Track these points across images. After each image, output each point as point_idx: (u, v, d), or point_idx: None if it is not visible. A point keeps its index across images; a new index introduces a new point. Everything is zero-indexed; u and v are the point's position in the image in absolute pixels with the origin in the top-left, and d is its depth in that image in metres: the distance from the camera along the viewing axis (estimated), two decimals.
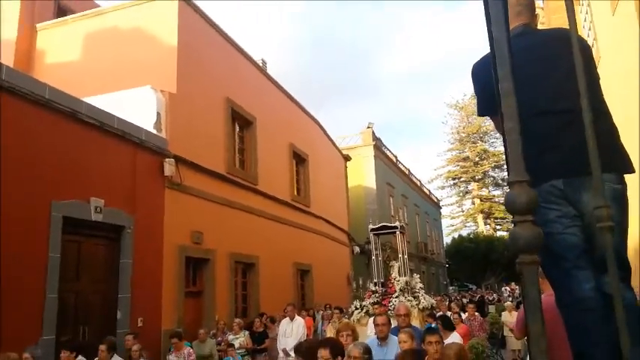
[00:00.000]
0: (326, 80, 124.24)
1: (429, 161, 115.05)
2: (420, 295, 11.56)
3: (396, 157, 32.41)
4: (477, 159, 54.58)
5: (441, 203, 49.58)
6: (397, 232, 13.00)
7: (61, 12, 13.13)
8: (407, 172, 34.86)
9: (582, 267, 1.91)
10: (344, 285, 19.54)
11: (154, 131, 9.44)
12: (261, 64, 15.09)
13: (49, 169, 7.22)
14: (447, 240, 49.07)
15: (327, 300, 14.60)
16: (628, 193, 1.98)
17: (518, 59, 1.21)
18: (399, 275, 11.94)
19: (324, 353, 3.54)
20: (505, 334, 12.24)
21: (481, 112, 2.38)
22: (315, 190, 17.76)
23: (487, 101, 2.28)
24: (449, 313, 9.70)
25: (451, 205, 56.33)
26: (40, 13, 12.40)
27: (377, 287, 11.85)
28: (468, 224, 55.71)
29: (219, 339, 9.22)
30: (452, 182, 56.26)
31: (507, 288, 37.02)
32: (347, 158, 23.29)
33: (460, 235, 48.77)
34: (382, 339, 5.00)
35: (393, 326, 5.52)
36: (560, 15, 9.82)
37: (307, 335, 10.19)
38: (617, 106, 4.19)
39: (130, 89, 9.64)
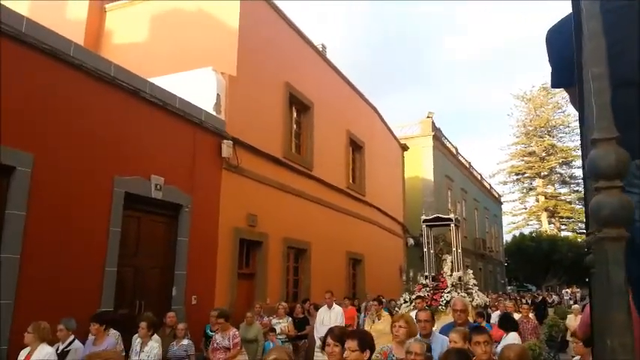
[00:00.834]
0: (385, 67, 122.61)
1: (491, 155, 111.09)
2: (473, 291, 11.17)
3: (456, 148, 31.47)
4: (543, 154, 51.98)
5: (502, 199, 47.77)
6: (451, 225, 12.55)
7: None
8: (467, 165, 33.78)
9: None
10: (396, 277, 19.25)
11: (214, 112, 9.58)
12: (321, 49, 14.97)
13: (113, 145, 7.46)
14: (507, 238, 47.33)
15: (378, 291, 14.43)
16: None
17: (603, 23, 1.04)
18: (452, 270, 11.59)
19: (352, 345, 3.21)
20: (568, 338, 11.62)
21: (555, 83, 2.13)
22: (370, 179, 17.53)
23: (563, 70, 2.04)
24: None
25: (513, 201, 54.13)
26: None
27: (427, 281, 11.55)
28: (530, 222, 53.35)
29: (265, 321, 9.09)
30: (515, 177, 53.93)
31: (568, 290, 35.31)
32: (404, 148, 22.83)
33: (521, 233, 46.88)
34: (425, 336, 4.58)
35: (448, 322, 5.24)
36: None
37: (349, 326, 9.99)
38: None
39: (191, 70, 9.81)
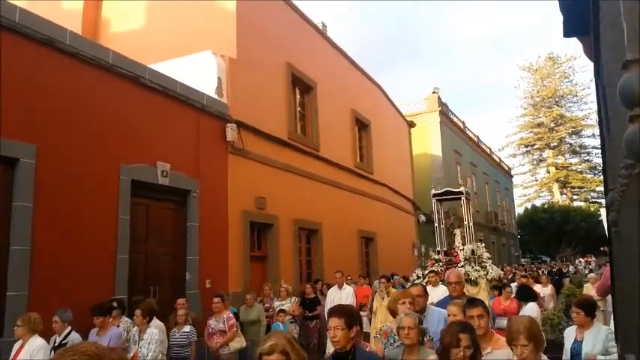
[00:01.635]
0: (390, 44, 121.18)
1: (499, 128, 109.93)
2: (487, 265, 11.03)
3: (463, 123, 31.12)
4: (552, 125, 51.33)
5: (512, 172, 47.36)
6: (462, 198, 12.35)
7: None
8: (475, 139, 33.43)
9: None
10: (409, 254, 19.21)
11: (216, 96, 9.47)
12: (321, 28, 14.72)
13: (116, 133, 7.40)
14: (519, 210, 47.07)
15: (391, 269, 14.39)
16: None
17: None
18: (463, 244, 11.44)
19: (338, 322, 3.01)
20: None
21: (568, 33, 2.02)
22: (378, 157, 17.38)
23: (577, 18, 1.92)
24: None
25: (524, 173, 53.74)
26: None
27: (440, 256, 11.44)
28: (542, 194, 52.97)
29: (267, 305, 8.91)
30: (524, 150, 53.42)
31: (582, 260, 35.14)
32: (411, 124, 22.58)
33: (533, 205, 46.58)
34: (418, 312, 4.29)
35: (445, 296, 5.14)
36: None
37: (364, 305, 9.85)
38: None
39: (191, 55, 9.68)
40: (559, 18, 1.97)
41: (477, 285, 10.18)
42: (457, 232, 11.91)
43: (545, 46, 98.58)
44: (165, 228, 8.37)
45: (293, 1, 12.97)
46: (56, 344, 5.26)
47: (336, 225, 13.48)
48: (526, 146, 53.11)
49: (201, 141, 8.99)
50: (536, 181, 53.51)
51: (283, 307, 8.54)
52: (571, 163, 52.12)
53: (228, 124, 9.51)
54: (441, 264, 10.95)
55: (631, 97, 0.71)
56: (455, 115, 29.54)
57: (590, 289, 11.51)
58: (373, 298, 11.13)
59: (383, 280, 9.82)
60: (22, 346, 4.79)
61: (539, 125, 52.02)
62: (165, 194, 8.33)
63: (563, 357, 4.62)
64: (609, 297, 10.11)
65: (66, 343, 5.17)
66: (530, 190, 53.65)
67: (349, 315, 3.11)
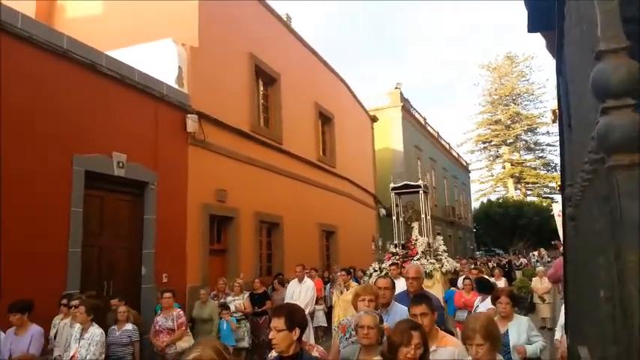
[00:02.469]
0: (354, 39, 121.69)
1: (458, 125, 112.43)
2: (443, 257, 11.23)
3: (424, 119, 31.61)
4: (508, 122, 53.02)
5: (470, 167, 48.56)
6: (420, 192, 12.53)
7: None
8: (435, 135, 34.04)
9: None
10: (370, 248, 19.40)
11: (176, 86, 9.22)
12: (285, 19, 14.57)
13: (70, 122, 7.09)
14: (475, 205, 48.34)
15: (352, 262, 14.49)
16: None
17: None
18: (420, 236, 11.60)
19: (278, 323, 2.70)
20: (535, 300, 11.94)
21: (532, 28, 2.04)
22: (341, 151, 17.43)
23: (540, 13, 1.94)
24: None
25: (480, 169, 55.33)
26: None
27: (397, 249, 11.57)
28: (497, 189, 54.72)
29: (222, 300, 8.57)
30: (482, 146, 54.97)
31: (535, 253, 36.45)
32: (374, 119, 22.76)
33: (489, 200, 48.00)
34: (384, 305, 4.12)
35: (402, 290, 4.83)
36: None
37: (320, 298, 9.79)
38: None
39: (150, 42, 9.38)
40: (522, 15, 1.98)
41: (432, 278, 10.38)
42: (415, 225, 12.09)
43: (505, 44, 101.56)
44: (121, 221, 8.11)
45: None
46: None
47: (298, 218, 13.44)
48: (483, 142, 54.64)
49: (160, 131, 8.74)
50: (492, 176, 55.23)
51: (234, 303, 8.27)
52: (525, 160, 54.00)
53: (189, 115, 9.28)
54: (397, 257, 11.09)
55: (604, 88, 0.70)
56: (416, 111, 29.96)
57: (537, 282, 11.93)
58: (325, 292, 11.17)
59: (342, 273, 9.76)
60: None
61: (496, 122, 53.59)
62: (121, 186, 8.06)
63: None
64: (555, 290, 10.49)
65: None
66: (486, 185, 55.39)
67: (290, 314, 2.76)
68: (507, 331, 4.37)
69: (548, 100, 48.19)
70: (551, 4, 1.59)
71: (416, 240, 11.38)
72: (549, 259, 27.99)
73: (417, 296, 3.80)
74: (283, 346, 2.71)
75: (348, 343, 3.61)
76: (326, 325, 10.40)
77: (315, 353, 3.07)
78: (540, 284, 11.78)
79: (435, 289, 10.18)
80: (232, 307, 8.24)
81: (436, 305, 3.74)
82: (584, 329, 1.50)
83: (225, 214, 10.48)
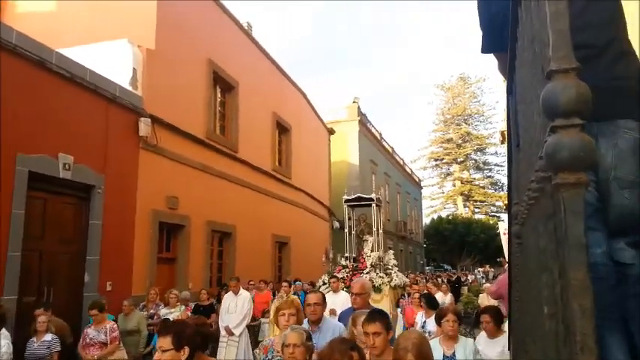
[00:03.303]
0: (313, 51, 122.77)
1: (413, 141, 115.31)
2: (392, 272, 11.19)
3: (380, 134, 32.15)
4: (459, 141, 54.67)
5: (422, 184, 49.70)
6: (373, 205, 12.59)
7: None
8: (390, 151, 34.66)
9: (594, 228, 1.65)
10: (322, 260, 19.38)
11: (129, 88, 8.96)
12: (246, 27, 14.52)
13: (15, 120, 6.74)
14: (426, 220, 49.39)
15: (304, 274, 14.44)
16: None
17: None
18: (372, 250, 11.57)
19: (164, 343, 2.42)
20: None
21: (485, 49, 2.10)
22: (297, 162, 17.43)
23: (494, 35, 2.00)
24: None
25: (432, 186, 56.66)
26: None
27: (348, 262, 11.56)
28: (447, 206, 56.14)
29: (152, 311, 8.05)
30: (434, 163, 56.40)
31: (481, 270, 37.52)
32: (331, 132, 22.94)
33: (439, 216, 49.12)
34: (314, 322, 3.80)
35: (348, 307, 4.68)
36: None
37: (267, 311, 9.32)
38: None
39: (105, 42, 9.10)
40: (476, 34, 2.04)
41: (381, 292, 10.43)
42: (367, 238, 12.13)
43: (458, 65, 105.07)
44: (65, 225, 7.76)
45: None
46: None
47: (251, 228, 13.29)
48: (436, 160, 56.10)
49: (111, 134, 8.46)
50: (443, 193, 56.69)
51: (170, 316, 7.62)
52: (474, 178, 55.77)
53: (142, 118, 9.04)
54: (347, 270, 11.07)
55: (554, 107, 0.71)
56: (373, 126, 30.44)
57: (485, 299, 12.19)
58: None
59: (284, 284, 9.55)
60: None
61: (448, 141, 55.17)
62: (67, 188, 7.74)
63: None
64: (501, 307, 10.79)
65: None
66: (437, 201, 56.78)
67: (178, 332, 2.46)
68: (454, 353, 4.24)
69: (498, 121, 50.13)
70: (505, 26, 1.63)
71: (366, 254, 11.36)
72: (494, 276, 28.89)
73: (371, 313, 3.43)
74: None
75: None
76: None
77: None
78: (487, 300, 11.98)
79: (384, 303, 10.23)
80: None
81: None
82: (527, 345, 1.54)
83: (175, 222, 10.23)
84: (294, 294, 10.10)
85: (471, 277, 30.23)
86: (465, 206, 54.63)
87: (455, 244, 41.94)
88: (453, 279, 25.66)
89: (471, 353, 4.24)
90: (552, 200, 0.83)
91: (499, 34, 1.88)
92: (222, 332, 7.99)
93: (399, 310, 9.16)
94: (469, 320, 11.53)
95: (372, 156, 28.86)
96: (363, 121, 27.97)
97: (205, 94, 11.68)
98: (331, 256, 14.83)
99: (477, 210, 55.01)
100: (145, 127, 9.01)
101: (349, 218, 12.93)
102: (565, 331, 0.73)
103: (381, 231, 12.38)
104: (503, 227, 11.87)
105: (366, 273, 10.62)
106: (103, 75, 8.34)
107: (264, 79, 15.31)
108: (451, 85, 56.00)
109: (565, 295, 0.68)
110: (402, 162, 38.61)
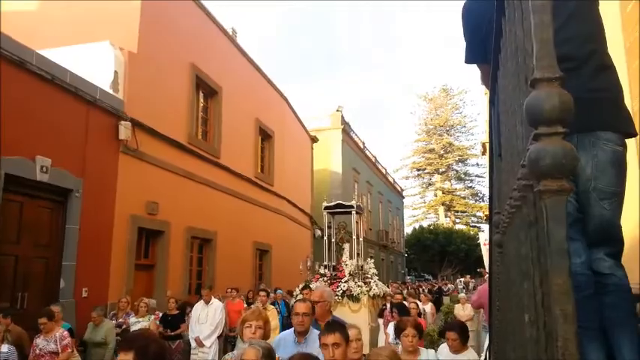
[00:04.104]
0: (298, 58, 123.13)
1: (396, 151, 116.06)
2: (372, 281, 11.01)
3: (363, 142, 32.30)
4: (441, 152, 55.27)
5: (404, 193, 49.99)
6: (353, 212, 12.51)
7: None
8: (373, 160, 34.83)
9: (573, 238, 1.67)
10: (303, 268, 19.33)
11: (110, 91, 8.85)
12: (231, 33, 14.50)
13: None
14: (407, 230, 49.66)
15: (285, 282, 14.36)
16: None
17: None
18: (350, 258, 11.42)
19: (125, 358, 2.11)
20: None
21: (469, 59, 2.13)
22: (279, 169, 17.38)
23: (477, 46, 2.03)
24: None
25: (414, 195, 57.13)
26: None
27: (326, 270, 11.44)
28: (429, 215, 56.57)
29: (121, 320, 7.68)
30: (416, 173, 56.91)
31: (462, 280, 37.82)
32: (314, 139, 22.96)
33: (421, 226, 49.42)
34: (300, 333, 3.67)
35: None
36: None
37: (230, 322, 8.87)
38: None
39: (87, 44, 8.98)
40: (460, 46, 2.06)
41: (359, 301, 10.31)
42: (346, 246, 12.03)
43: (441, 76, 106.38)
44: (41, 229, 7.59)
45: (203, 2, 12.62)
46: None
47: (232, 235, 13.18)
48: (418, 170, 56.61)
49: (90, 137, 8.33)
50: (425, 203, 57.19)
51: (138, 325, 7.30)
52: (456, 189, 56.40)
53: (122, 122, 8.92)
54: (325, 278, 10.95)
55: (537, 115, 0.72)
56: (356, 134, 30.57)
57: (459, 309, 12.12)
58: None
59: (262, 293, 9.15)
60: None
61: (430, 151, 55.74)
62: (44, 192, 7.57)
63: None
64: (479, 317, 10.81)
65: None
66: (418, 211, 57.25)
67: (142, 347, 2.19)
68: None
69: (479, 133, 50.82)
70: (488, 37, 1.65)
71: (345, 262, 11.20)
72: (474, 287, 29.15)
73: (329, 324, 3.33)
74: None
75: None
76: None
77: None
78: (462, 311, 11.85)
79: (362, 313, 10.12)
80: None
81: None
82: (508, 353, 1.54)
83: (155, 228, 10.09)
84: (274, 303, 10.00)
85: (451, 287, 30.47)
86: (446, 216, 55.14)
87: (436, 254, 42.24)
88: (435, 289, 25.86)
89: None
90: (534, 208, 0.84)
91: (483, 46, 1.91)
92: (193, 344, 7.78)
93: (380, 321, 9.06)
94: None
95: (354, 164, 28.96)
96: (347, 130, 28.08)
97: (188, 99, 11.59)
98: (309, 264, 14.77)
99: (457, 220, 55.55)
100: (125, 130, 8.90)
101: (329, 226, 12.87)
102: (546, 338, 0.74)
103: (361, 239, 12.32)
104: (483, 237, 11.94)
105: (345, 282, 10.50)
106: (83, 77, 8.22)
107: (248, 85, 15.27)
108: (434, 96, 56.71)
109: (547, 300, 0.68)
110: (384, 171, 38.82)
